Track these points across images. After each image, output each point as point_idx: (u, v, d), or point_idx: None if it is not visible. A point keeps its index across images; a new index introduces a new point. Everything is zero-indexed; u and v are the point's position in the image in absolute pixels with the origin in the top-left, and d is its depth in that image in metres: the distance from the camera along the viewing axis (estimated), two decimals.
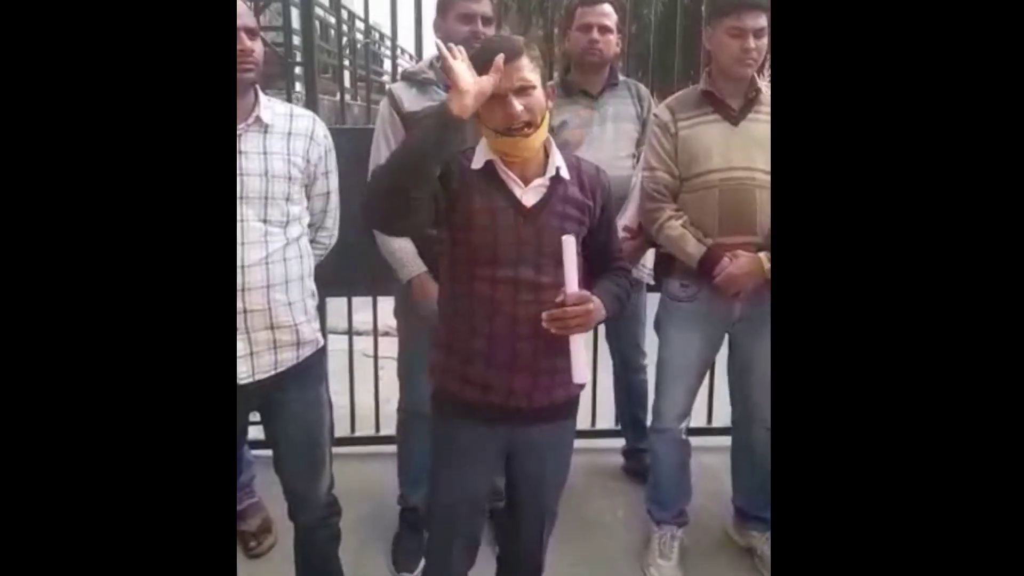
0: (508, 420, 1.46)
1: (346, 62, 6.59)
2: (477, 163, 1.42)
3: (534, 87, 1.34)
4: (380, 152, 2.00)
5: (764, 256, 1.87)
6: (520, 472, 1.55)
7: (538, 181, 1.42)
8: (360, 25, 7.99)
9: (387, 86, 2.30)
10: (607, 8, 2.30)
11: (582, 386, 1.51)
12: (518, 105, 1.32)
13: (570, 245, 1.34)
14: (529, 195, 1.41)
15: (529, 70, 1.34)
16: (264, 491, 2.32)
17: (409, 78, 2.08)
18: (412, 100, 2.01)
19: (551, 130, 2.25)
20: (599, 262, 1.52)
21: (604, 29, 2.28)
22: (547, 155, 1.44)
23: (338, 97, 3.36)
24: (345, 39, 7.09)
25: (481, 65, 1.32)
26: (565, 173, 1.44)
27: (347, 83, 7.02)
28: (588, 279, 1.50)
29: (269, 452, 1.74)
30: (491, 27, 2.02)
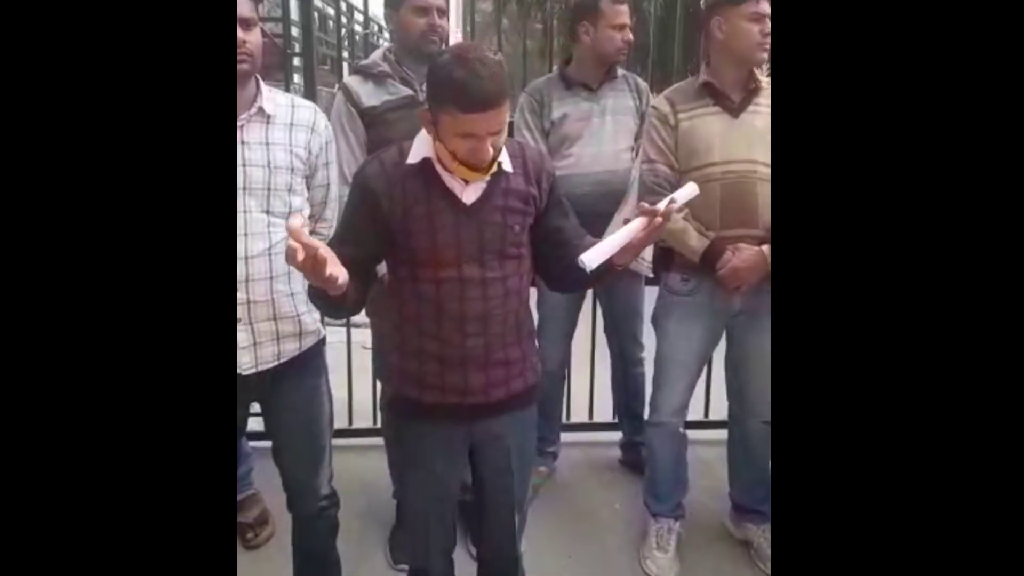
0: (468, 417, 1.46)
1: (344, 54, 6.57)
2: (414, 158, 1.38)
3: (504, 129, 1.30)
4: (342, 153, 1.94)
5: (767, 249, 1.87)
6: (486, 466, 1.54)
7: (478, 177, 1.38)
8: (359, 17, 7.96)
9: (342, 80, 2.26)
10: (627, 6, 2.31)
11: (539, 374, 1.52)
12: (491, 149, 1.28)
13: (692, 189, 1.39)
14: (469, 192, 1.37)
15: (506, 113, 1.29)
16: (262, 483, 2.32)
17: (363, 71, 2.04)
18: (369, 94, 1.99)
19: (551, 124, 2.26)
20: (555, 246, 1.45)
21: (628, 27, 2.29)
22: None
23: (336, 88, 3.36)
24: (344, 30, 7.07)
25: (460, 102, 1.23)
26: (508, 166, 1.39)
27: (345, 75, 7.00)
28: (540, 268, 1.48)
29: (267, 443, 1.74)
30: (445, 19, 1.99)
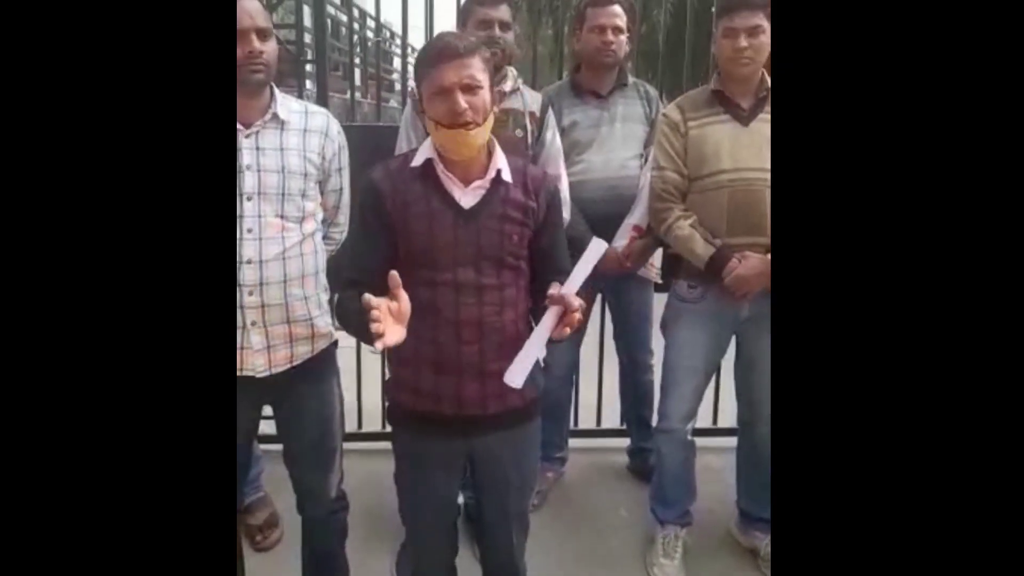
0: (465, 430, 1.45)
1: (357, 60, 6.62)
2: (417, 161, 1.41)
3: (481, 87, 1.33)
4: (402, 148, 2.06)
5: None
6: (484, 480, 1.54)
7: (478, 182, 1.39)
8: (371, 23, 8.01)
9: (411, 87, 2.35)
10: (618, 8, 2.32)
11: (540, 388, 1.51)
12: (462, 101, 1.30)
13: (599, 248, 1.30)
14: (468, 197, 1.39)
15: (479, 69, 1.33)
16: (271, 486, 2.33)
17: None
18: None
19: (561, 131, 2.28)
20: (543, 269, 1.47)
21: (616, 30, 2.30)
22: (490, 157, 1.42)
23: (349, 95, 3.38)
24: (356, 37, 7.11)
25: (428, 60, 1.34)
26: (507, 176, 1.41)
27: (357, 81, 7.04)
28: (532, 285, 1.46)
29: (276, 447, 1.76)
30: (509, 32, 2.08)
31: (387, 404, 1.53)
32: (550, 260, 1.48)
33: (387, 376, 1.54)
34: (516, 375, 1.30)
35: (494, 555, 1.62)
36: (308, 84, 3.80)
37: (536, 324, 1.43)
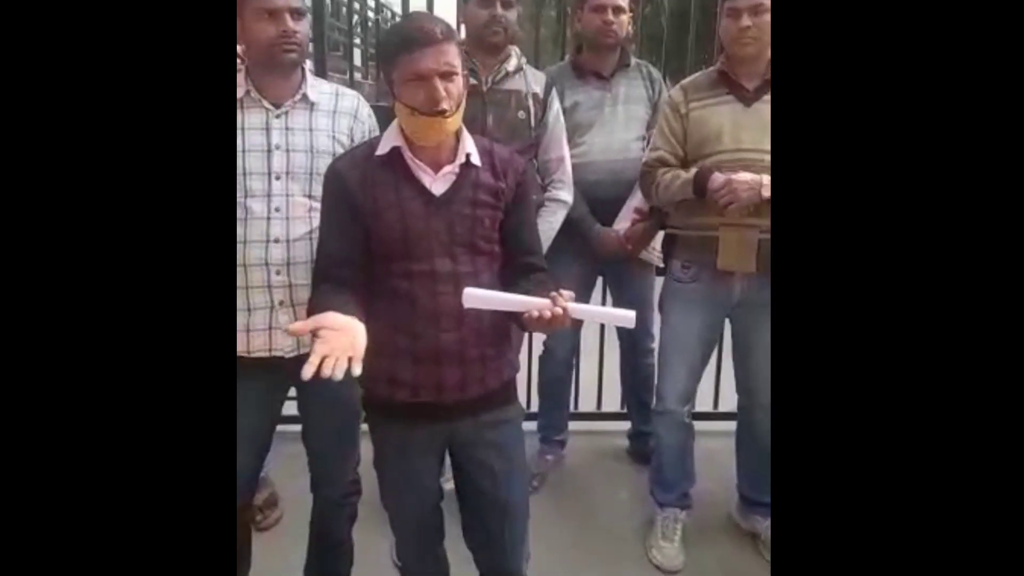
0: (445, 416, 1.43)
1: (357, 40, 6.57)
2: (383, 149, 1.38)
3: (457, 73, 1.31)
4: None
5: (767, 179, 1.83)
6: (469, 467, 1.50)
7: (447, 168, 1.37)
8: (371, 3, 7.95)
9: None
10: None
11: (516, 369, 1.52)
12: (442, 89, 1.29)
13: (627, 319, 1.29)
14: (438, 183, 1.37)
15: (455, 55, 1.31)
16: (273, 466, 2.33)
17: None
18: None
19: (564, 111, 2.26)
20: (513, 251, 1.45)
21: (618, 10, 2.27)
22: (458, 141, 1.40)
23: (348, 75, 3.36)
24: (356, 17, 7.06)
25: (404, 44, 1.30)
26: (476, 159, 1.40)
27: (357, 61, 7.00)
28: (502, 270, 1.44)
29: (280, 428, 1.75)
30: (511, 11, 2.06)
31: (361, 394, 1.51)
32: (519, 241, 1.46)
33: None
34: (474, 299, 1.27)
35: (487, 552, 1.57)
36: (308, 64, 3.77)
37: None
